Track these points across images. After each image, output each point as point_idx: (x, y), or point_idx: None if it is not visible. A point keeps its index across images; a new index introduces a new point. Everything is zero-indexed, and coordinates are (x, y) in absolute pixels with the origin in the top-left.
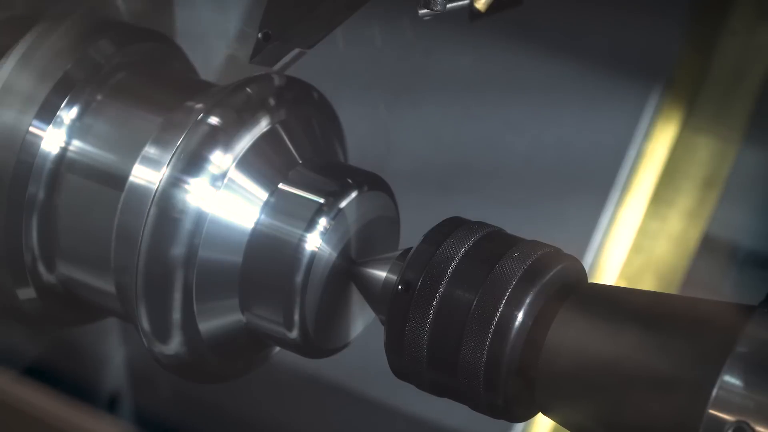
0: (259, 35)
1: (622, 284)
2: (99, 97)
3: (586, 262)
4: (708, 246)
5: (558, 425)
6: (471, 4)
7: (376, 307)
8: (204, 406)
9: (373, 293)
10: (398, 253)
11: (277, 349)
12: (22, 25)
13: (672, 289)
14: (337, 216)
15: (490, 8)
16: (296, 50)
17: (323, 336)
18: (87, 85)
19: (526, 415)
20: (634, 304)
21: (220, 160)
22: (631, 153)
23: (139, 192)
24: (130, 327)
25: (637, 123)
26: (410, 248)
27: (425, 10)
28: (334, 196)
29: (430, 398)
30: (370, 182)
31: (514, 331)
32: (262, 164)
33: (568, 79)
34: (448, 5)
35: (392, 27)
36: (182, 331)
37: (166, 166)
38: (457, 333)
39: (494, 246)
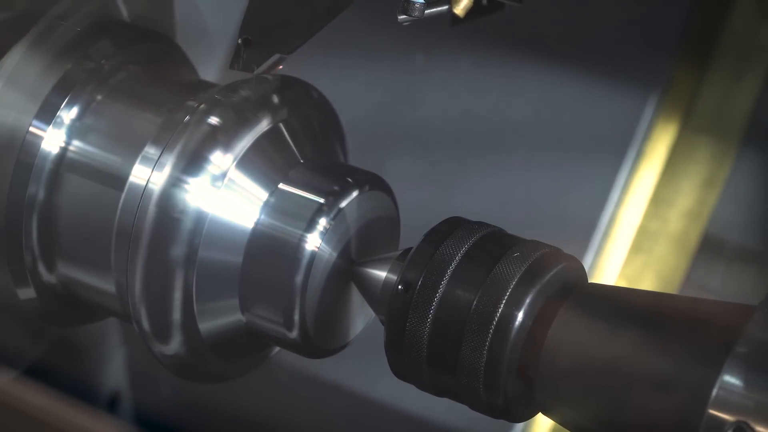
0: (239, 41)
1: (622, 284)
2: (99, 97)
3: (586, 262)
4: (708, 246)
5: (558, 425)
6: (450, 10)
7: (376, 307)
8: (204, 406)
9: (373, 293)
10: (398, 253)
11: (277, 349)
12: (22, 25)
13: (672, 289)
14: (337, 216)
15: (470, 14)
16: (277, 55)
17: (323, 336)
18: (87, 85)
19: (526, 415)
20: (634, 304)
21: (220, 160)
22: (631, 153)
23: (139, 192)
24: (130, 327)
25: (637, 123)
26: (410, 248)
27: (404, 16)
28: (334, 196)
29: (430, 398)
30: (370, 182)
31: (514, 331)
32: (262, 164)
33: (567, 79)
34: (427, 11)
35: (392, 26)
36: (182, 331)
37: (166, 166)
38: (457, 333)
39: (494, 246)
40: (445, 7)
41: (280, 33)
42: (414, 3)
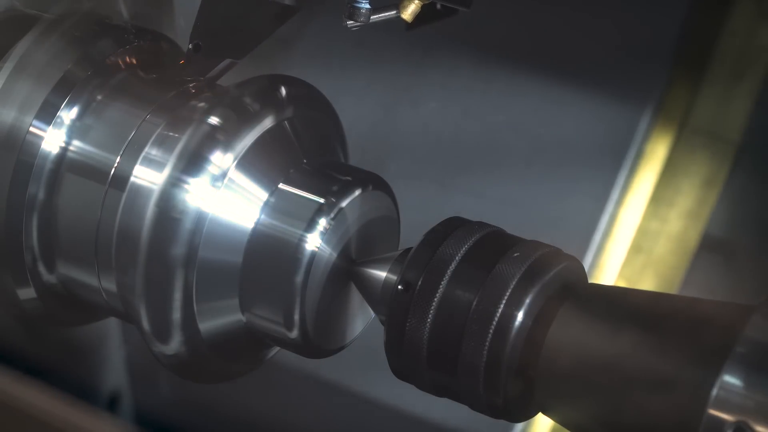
0: (190, 46)
1: (622, 284)
2: (99, 97)
3: (586, 262)
4: (708, 246)
5: (558, 425)
6: (398, 15)
7: (376, 307)
8: (204, 406)
9: (373, 293)
10: (398, 253)
11: (277, 349)
12: (22, 25)
13: (672, 289)
14: (337, 216)
15: (423, 18)
16: (227, 60)
17: (323, 336)
18: (87, 85)
19: (526, 415)
20: (634, 304)
21: (221, 160)
22: (631, 153)
23: (140, 192)
24: (130, 327)
25: (638, 123)
26: (410, 248)
27: (351, 21)
28: (334, 195)
29: (430, 398)
30: (371, 182)
31: (514, 331)
32: (262, 164)
33: (567, 77)
34: (373, 17)
35: (392, 26)
36: (182, 331)
37: (166, 166)
38: (457, 333)
39: (494, 246)
40: (393, 12)
41: (230, 39)
42: (360, 8)
